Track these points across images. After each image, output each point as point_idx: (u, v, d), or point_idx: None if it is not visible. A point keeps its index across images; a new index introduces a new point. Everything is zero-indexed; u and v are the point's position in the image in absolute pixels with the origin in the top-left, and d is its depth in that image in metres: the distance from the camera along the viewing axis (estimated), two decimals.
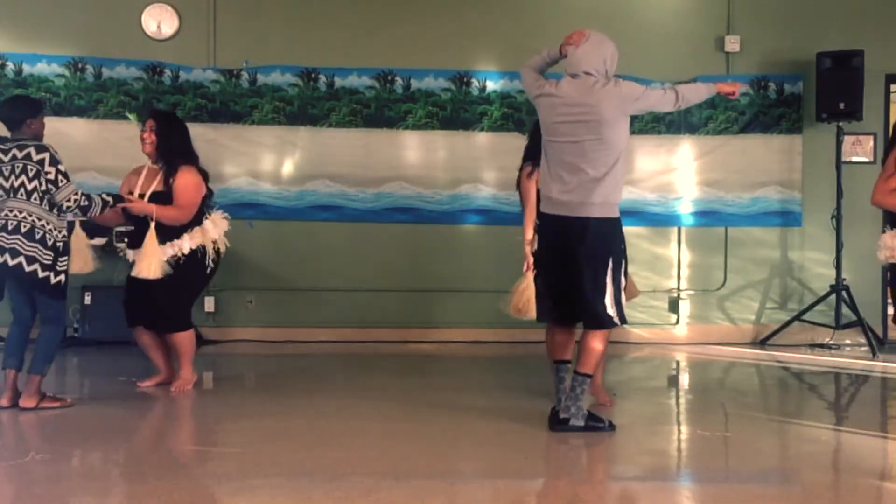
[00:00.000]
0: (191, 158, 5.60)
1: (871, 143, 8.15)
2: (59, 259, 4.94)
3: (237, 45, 7.94)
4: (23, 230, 4.82)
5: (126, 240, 5.65)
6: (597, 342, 4.49)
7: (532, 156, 5.20)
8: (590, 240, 4.39)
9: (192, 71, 7.88)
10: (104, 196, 5.17)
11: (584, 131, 4.41)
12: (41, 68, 7.76)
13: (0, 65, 7.73)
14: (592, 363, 4.51)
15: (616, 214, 4.48)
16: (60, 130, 7.26)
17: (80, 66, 7.79)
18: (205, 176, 5.65)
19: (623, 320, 4.51)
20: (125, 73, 7.82)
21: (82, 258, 5.30)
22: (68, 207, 4.96)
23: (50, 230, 4.89)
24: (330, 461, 4.00)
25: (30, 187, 4.85)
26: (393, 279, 7.98)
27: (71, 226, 5.19)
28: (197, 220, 5.54)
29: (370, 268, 8.03)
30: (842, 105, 7.63)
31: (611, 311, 4.42)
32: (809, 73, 7.93)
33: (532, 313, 4.92)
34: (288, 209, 7.97)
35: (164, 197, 5.44)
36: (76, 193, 4.95)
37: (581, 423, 4.47)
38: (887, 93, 8.18)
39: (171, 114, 5.74)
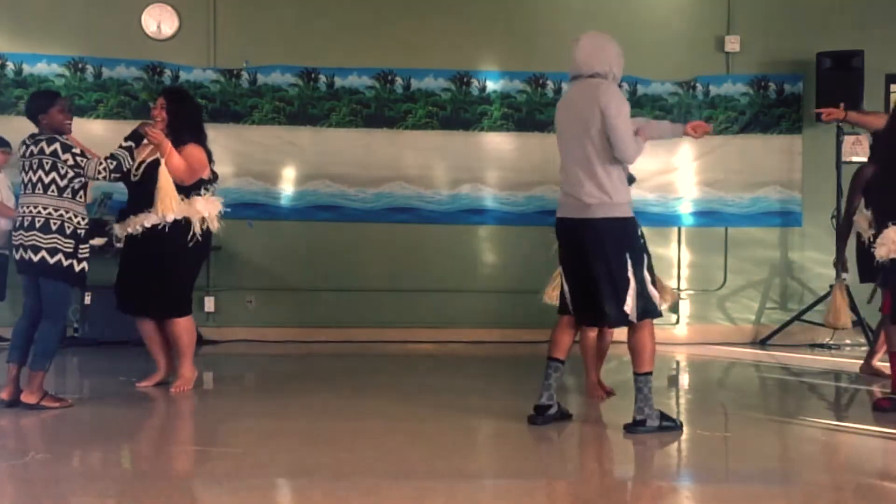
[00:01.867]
0: (199, 136, 5.56)
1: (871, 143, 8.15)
2: (81, 246, 4.98)
3: (237, 45, 7.94)
4: (38, 225, 4.88)
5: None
6: (640, 339, 4.48)
7: None
8: (600, 240, 4.42)
9: (192, 71, 7.88)
10: (122, 145, 5.18)
11: (582, 132, 4.45)
12: (41, 68, 7.76)
13: (0, 65, 7.74)
14: (646, 360, 4.49)
15: (625, 214, 4.49)
16: None
17: (80, 66, 7.79)
18: (209, 157, 5.60)
19: (650, 314, 4.49)
20: (125, 73, 7.82)
21: (169, 203, 5.31)
22: (104, 178, 5.04)
23: (69, 218, 4.93)
24: (330, 461, 4.00)
25: (47, 180, 4.91)
26: (393, 279, 7.97)
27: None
28: (187, 194, 5.45)
29: (370, 268, 8.03)
30: (842, 105, 7.61)
31: (629, 308, 4.41)
32: (809, 73, 7.93)
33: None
34: (288, 209, 7.97)
35: (158, 167, 5.40)
36: (100, 163, 5.00)
37: (657, 423, 4.49)
38: (887, 93, 8.17)
39: (183, 91, 5.71)
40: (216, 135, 7.78)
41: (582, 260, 4.51)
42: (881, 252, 5.04)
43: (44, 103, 5.12)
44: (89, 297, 7.45)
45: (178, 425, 5.07)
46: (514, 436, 4.53)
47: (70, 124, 5.16)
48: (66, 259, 4.90)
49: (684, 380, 6.75)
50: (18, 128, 7.52)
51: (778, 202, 8.06)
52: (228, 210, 5.78)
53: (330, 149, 7.95)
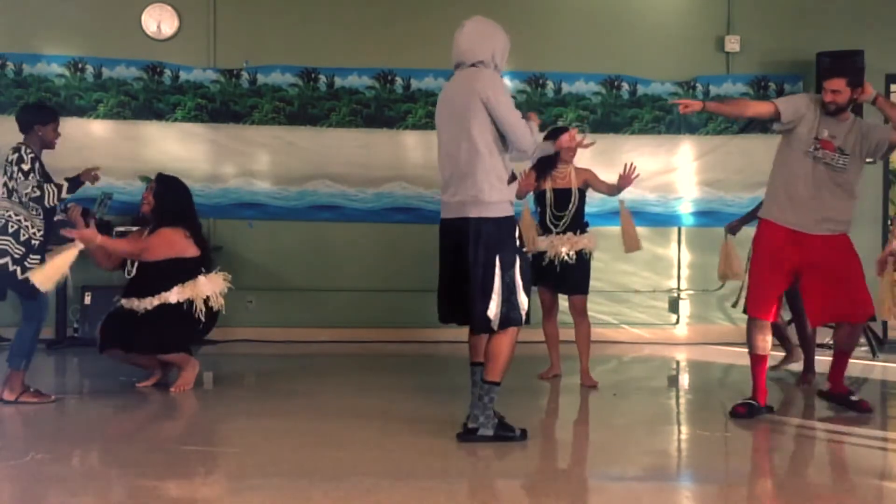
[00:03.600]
0: (182, 221, 5.61)
1: None
2: (31, 256, 5.05)
3: (237, 45, 7.94)
4: (6, 228, 5.04)
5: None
6: (498, 347, 4.24)
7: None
8: (473, 241, 4.17)
9: (192, 71, 7.88)
10: (58, 182, 5.23)
11: (458, 127, 4.22)
12: (41, 68, 7.76)
13: (0, 65, 7.74)
14: (498, 370, 4.24)
15: (502, 213, 4.22)
16: (60, 130, 7.25)
17: (80, 66, 7.79)
18: (201, 241, 5.69)
19: (514, 322, 4.22)
20: (125, 73, 7.82)
21: (51, 277, 5.07)
22: (28, 200, 5.07)
23: (26, 227, 5.05)
24: (330, 461, 4.00)
25: (10, 186, 5.11)
26: (393, 279, 7.97)
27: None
28: (191, 275, 5.55)
29: (370, 268, 8.03)
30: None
31: (492, 313, 4.16)
32: (809, 73, 7.93)
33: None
34: (288, 209, 7.98)
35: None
36: (27, 186, 5.06)
37: (490, 432, 4.25)
38: (887, 93, 8.17)
39: (173, 179, 5.79)
40: (216, 135, 7.85)
41: (455, 260, 4.27)
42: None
43: (46, 119, 5.30)
44: (89, 297, 7.45)
45: (179, 425, 5.07)
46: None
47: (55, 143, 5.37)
48: (13, 264, 5.00)
49: (684, 380, 6.75)
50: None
51: None
52: (232, 288, 5.81)
53: (330, 149, 7.95)
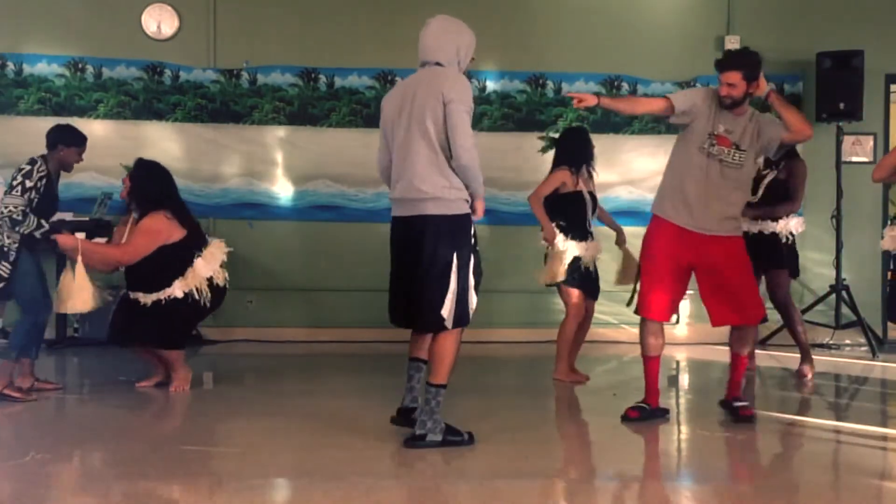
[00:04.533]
0: (165, 204, 5.54)
1: (871, 143, 8.15)
2: (3, 262, 5.15)
3: (237, 45, 7.95)
4: None
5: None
6: (443, 347, 4.18)
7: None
8: (429, 238, 4.11)
9: (192, 71, 7.88)
10: (42, 222, 5.19)
11: (416, 123, 4.15)
12: (41, 68, 7.76)
13: (0, 65, 7.74)
14: (444, 372, 4.16)
15: (460, 210, 4.15)
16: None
17: (80, 66, 7.79)
18: (186, 218, 5.60)
19: (461, 322, 4.16)
20: (125, 73, 7.82)
21: (81, 298, 5.28)
22: (5, 216, 5.08)
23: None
24: (330, 461, 4.00)
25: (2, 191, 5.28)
26: None
27: (72, 263, 5.32)
28: (186, 262, 5.50)
29: (370, 268, 7.98)
30: (842, 105, 7.63)
31: (446, 312, 4.10)
32: (809, 73, 7.93)
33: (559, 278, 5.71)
34: (288, 209, 7.98)
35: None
36: (14, 206, 5.07)
37: (439, 437, 4.16)
38: (887, 93, 8.18)
39: (152, 163, 5.75)
40: (216, 135, 7.85)
41: (407, 259, 4.24)
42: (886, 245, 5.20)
43: (70, 141, 5.40)
44: None
45: (178, 425, 5.08)
46: (514, 435, 4.52)
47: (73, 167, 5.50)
48: None
49: (684, 380, 6.74)
50: (18, 128, 7.59)
51: None
52: (231, 250, 5.79)
53: (330, 149, 7.95)
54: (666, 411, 4.92)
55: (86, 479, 3.82)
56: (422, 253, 4.14)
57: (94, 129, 7.71)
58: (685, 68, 8.10)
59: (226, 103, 7.90)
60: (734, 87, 4.61)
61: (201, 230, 5.76)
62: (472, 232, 4.24)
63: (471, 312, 4.22)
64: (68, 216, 7.43)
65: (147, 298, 5.48)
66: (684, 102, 4.71)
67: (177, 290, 5.46)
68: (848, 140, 7.93)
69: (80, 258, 5.26)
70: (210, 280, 5.55)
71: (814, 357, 6.37)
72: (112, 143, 7.66)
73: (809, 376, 6.18)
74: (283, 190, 7.98)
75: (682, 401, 5.86)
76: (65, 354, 7.14)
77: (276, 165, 7.96)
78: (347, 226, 7.99)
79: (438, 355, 4.18)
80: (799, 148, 8.00)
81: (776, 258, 6.12)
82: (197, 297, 5.49)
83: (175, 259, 5.49)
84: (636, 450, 4.45)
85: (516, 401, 5.25)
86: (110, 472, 3.99)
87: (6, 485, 3.66)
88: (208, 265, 5.55)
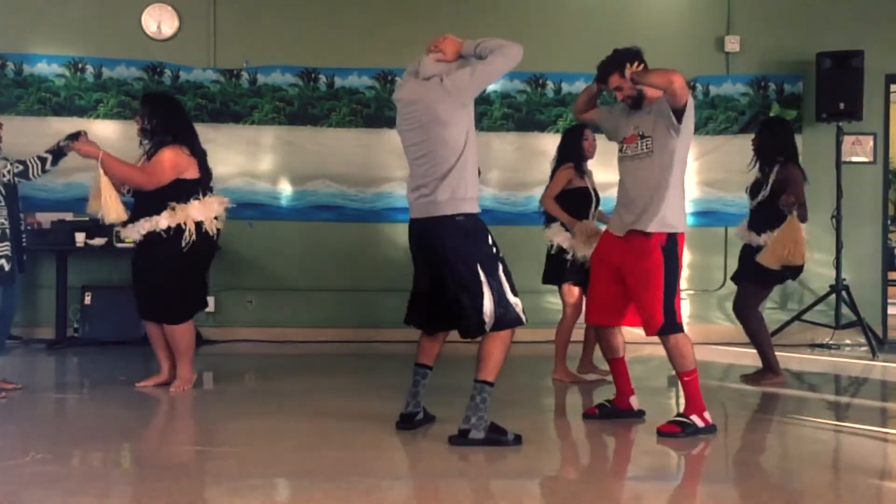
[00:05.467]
0: (180, 138, 5.40)
1: (871, 143, 8.16)
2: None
3: (237, 45, 7.95)
4: None
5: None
6: (493, 347, 4.23)
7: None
8: (447, 244, 4.14)
9: (192, 71, 7.88)
10: (41, 154, 5.30)
11: (423, 132, 4.19)
12: (41, 68, 7.76)
13: (0, 65, 7.74)
14: (490, 369, 4.21)
15: (473, 210, 4.19)
16: (60, 130, 7.25)
17: (80, 66, 7.79)
18: (200, 157, 5.48)
19: (507, 324, 4.20)
20: (125, 73, 7.82)
21: (116, 210, 5.26)
22: (8, 181, 5.16)
23: None
24: (330, 461, 4.00)
25: None
26: (393, 279, 7.95)
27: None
28: (181, 199, 5.35)
29: (370, 268, 8.03)
30: (842, 105, 7.63)
31: (487, 313, 4.13)
32: (809, 74, 7.94)
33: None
34: (288, 209, 7.98)
35: None
36: (6, 166, 5.17)
37: (482, 435, 4.17)
38: (887, 93, 8.18)
39: (159, 95, 5.62)
40: (216, 135, 7.84)
41: (430, 263, 4.26)
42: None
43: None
44: (89, 297, 7.47)
45: (178, 425, 5.07)
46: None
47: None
48: None
49: None
50: (18, 128, 7.57)
51: None
52: (234, 206, 5.74)
53: (330, 149, 7.95)
54: (641, 413, 4.91)
55: (86, 479, 3.82)
56: (444, 259, 4.17)
57: (95, 129, 7.68)
58: (685, 68, 7.97)
59: (226, 103, 7.91)
60: (621, 89, 4.68)
61: (210, 183, 5.57)
62: (488, 233, 4.25)
63: (517, 311, 4.21)
64: (68, 216, 7.45)
65: (134, 230, 5.36)
66: (603, 117, 4.98)
67: (163, 220, 5.29)
68: (848, 140, 7.93)
69: (101, 169, 5.17)
70: (200, 227, 5.37)
71: (813, 357, 6.35)
72: (112, 143, 7.61)
73: (760, 388, 5.97)
74: (283, 190, 7.98)
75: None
76: (65, 354, 7.15)
77: (276, 165, 7.96)
78: (347, 226, 7.99)
79: (487, 353, 4.24)
80: (799, 148, 8.08)
81: (738, 271, 6.28)
82: (184, 235, 5.30)
83: (175, 192, 5.33)
84: (636, 450, 4.45)
85: (516, 400, 5.24)
86: (110, 472, 4.00)
87: (6, 485, 3.66)
88: (202, 210, 5.39)
